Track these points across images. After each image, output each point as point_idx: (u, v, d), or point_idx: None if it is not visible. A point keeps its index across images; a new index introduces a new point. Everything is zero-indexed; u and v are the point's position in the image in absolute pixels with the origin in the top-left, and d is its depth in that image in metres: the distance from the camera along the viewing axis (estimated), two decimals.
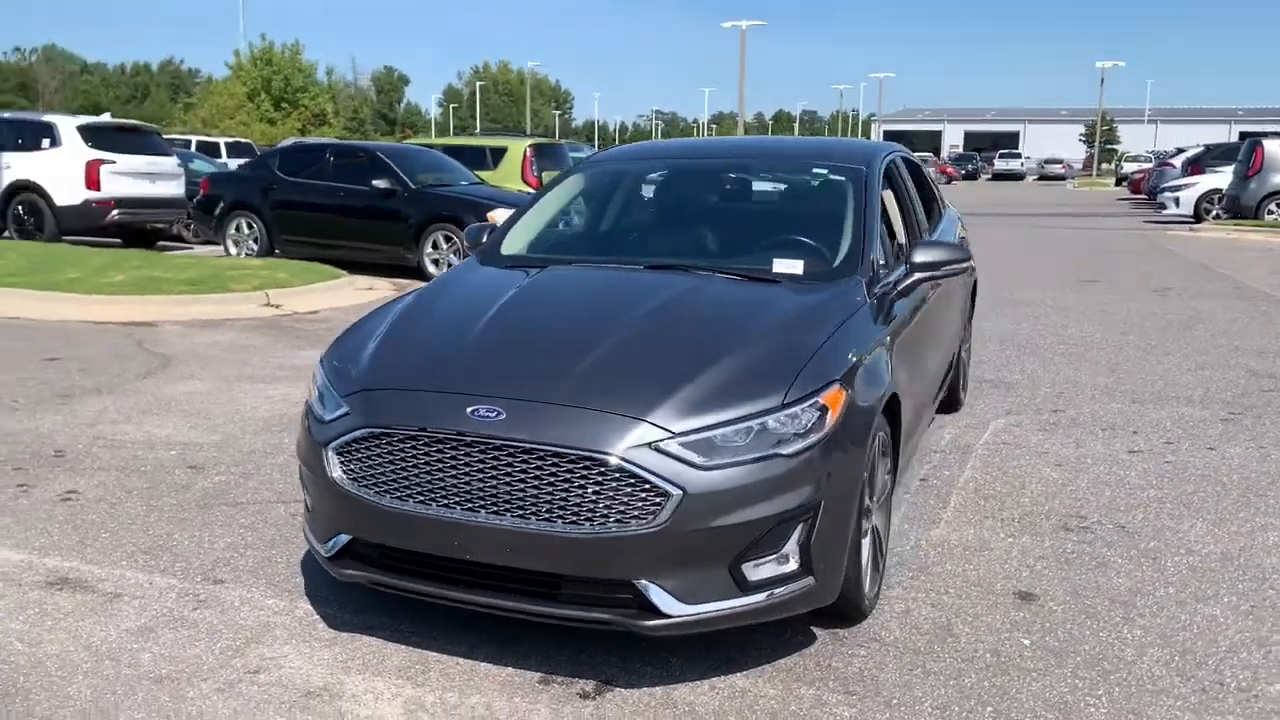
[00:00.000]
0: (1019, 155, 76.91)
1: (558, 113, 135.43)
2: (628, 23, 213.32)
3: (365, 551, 3.22)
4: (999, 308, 10.42)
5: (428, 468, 3.04)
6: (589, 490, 2.89)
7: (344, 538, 3.23)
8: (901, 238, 4.84)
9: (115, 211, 13.93)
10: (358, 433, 3.15)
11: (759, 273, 3.90)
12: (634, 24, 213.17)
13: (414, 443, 3.06)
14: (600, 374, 3.14)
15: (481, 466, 2.98)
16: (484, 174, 14.59)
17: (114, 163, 13.89)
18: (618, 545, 2.88)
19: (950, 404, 6.06)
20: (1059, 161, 72.57)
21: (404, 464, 3.07)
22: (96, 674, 3.10)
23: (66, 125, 14.06)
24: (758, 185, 4.89)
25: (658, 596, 2.91)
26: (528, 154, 14.85)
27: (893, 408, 3.65)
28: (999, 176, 69.47)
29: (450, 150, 15.05)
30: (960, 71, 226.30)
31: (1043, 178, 69.30)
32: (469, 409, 3.03)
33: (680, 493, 2.85)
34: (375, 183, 12.07)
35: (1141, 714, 2.95)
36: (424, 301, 3.89)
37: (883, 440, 3.55)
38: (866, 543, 3.47)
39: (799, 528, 3.02)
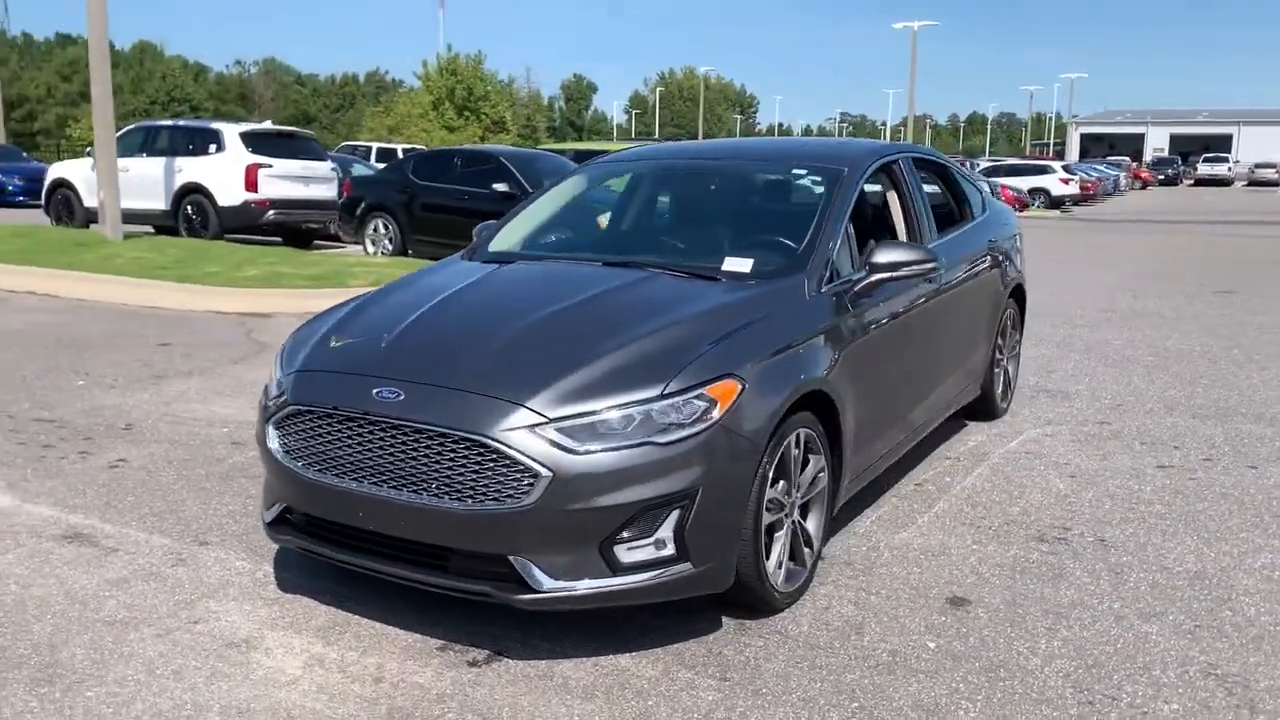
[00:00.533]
0: (1226, 159, 71.96)
1: (740, 117, 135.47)
2: (807, 25, 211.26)
3: (296, 520, 3.52)
4: (1107, 318, 9.99)
5: (340, 444, 3.31)
6: (470, 469, 3.09)
7: (279, 506, 3.54)
8: (903, 236, 4.82)
9: (271, 212, 15.02)
10: (287, 410, 3.45)
11: (705, 270, 4.00)
12: (814, 26, 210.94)
13: (329, 420, 3.34)
14: (498, 361, 3.33)
15: (382, 444, 3.22)
16: None
17: (271, 166, 14.97)
18: (494, 521, 3.06)
19: (986, 412, 5.93)
20: (1272, 166, 67.46)
21: (322, 440, 3.35)
22: (62, 616, 3.50)
23: (231, 132, 15.26)
24: (734, 186, 4.96)
25: (530, 572, 3.08)
26: None
27: (824, 405, 3.68)
28: (1202, 182, 65.28)
29: (581, 155, 15.47)
30: (1169, 73, 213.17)
31: (1252, 183, 64.63)
32: (374, 390, 3.28)
33: (550, 474, 3.01)
34: (495, 186, 12.60)
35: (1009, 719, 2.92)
36: (383, 292, 4.18)
37: (807, 437, 3.60)
38: (781, 536, 3.53)
39: (674, 514, 3.12)
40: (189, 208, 15.29)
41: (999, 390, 6.01)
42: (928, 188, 5.87)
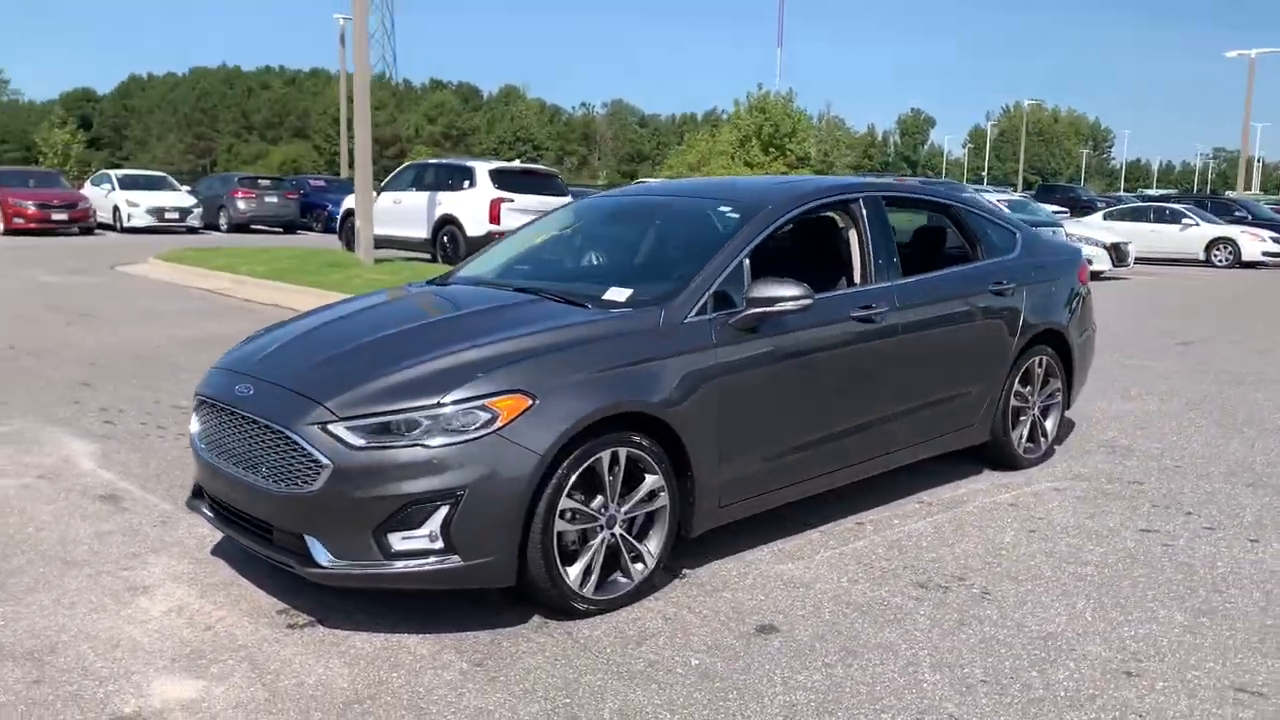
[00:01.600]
0: None
1: (1087, 151, 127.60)
2: (1163, 55, 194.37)
3: (203, 493, 4.23)
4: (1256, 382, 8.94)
5: (219, 430, 3.99)
6: (281, 456, 3.66)
7: (195, 482, 4.28)
8: (857, 276, 4.89)
9: None
10: (195, 399, 4.18)
11: (581, 297, 4.34)
12: (1171, 57, 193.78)
13: (213, 409, 4.03)
14: (327, 366, 3.89)
15: (238, 432, 3.86)
16: None
17: (512, 200, 16.38)
18: (294, 503, 3.61)
19: (1003, 460, 5.74)
20: None
21: (211, 426, 4.05)
22: (36, 552, 4.41)
23: (482, 169, 16.86)
24: (666, 222, 5.21)
25: (315, 549, 3.60)
26: None
27: (662, 428, 3.91)
28: None
29: None
30: None
31: None
32: (236, 386, 3.94)
33: (331, 465, 3.52)
34: None
35: None
36: (328, 306, 4.84)
37: (634, 456, 3.85)
38: (595, 546, 3.80)
39: (441, 510, 3.51)
40: (444, 237, 17.01)
41: (1018, 438, 5.77)
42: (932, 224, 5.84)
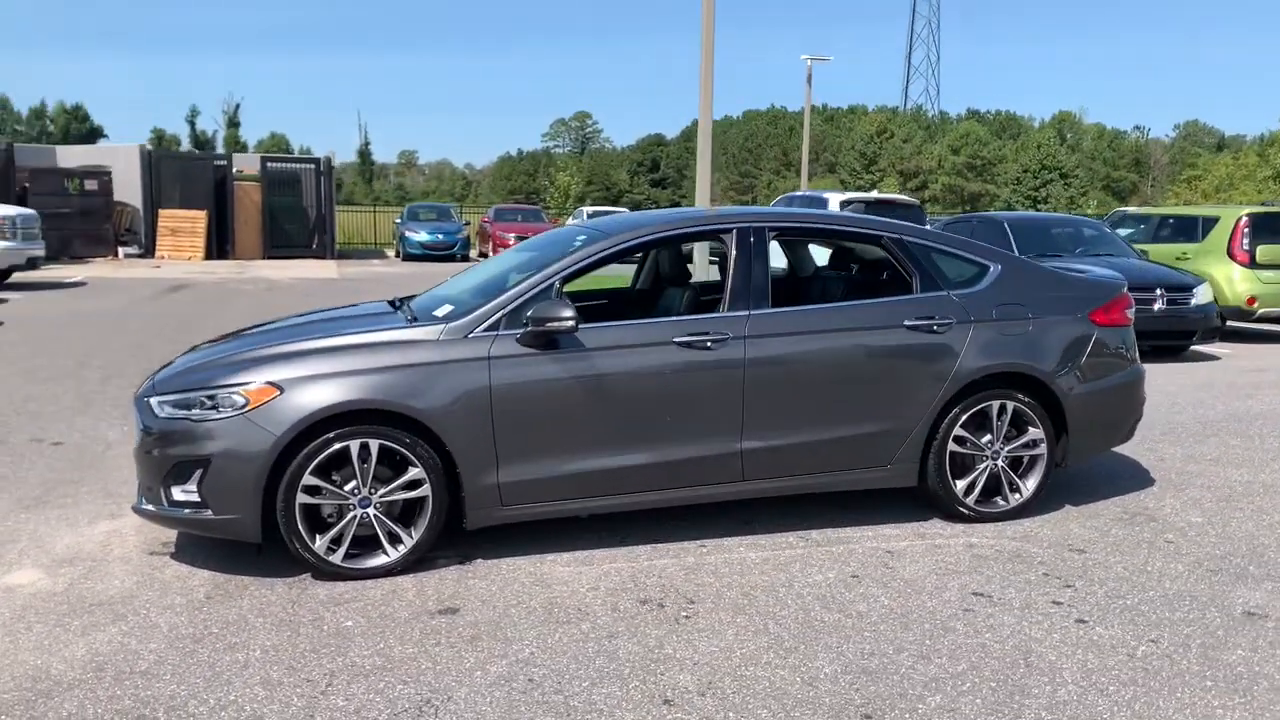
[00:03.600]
0: None
1: None
2: None
3: None
4: None
5: None
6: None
7: None
8: (723, 305, 5.06)
9: None
10: None
11: (422, 312, 5.13)
12: None
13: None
14: (199, 355, 5.01)
15: None
16: (1189, 247, 13.39)
17: None
18: (135, 457, 4.81)
19: (941, 508, 5.36)
20: None
21: None
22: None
23: (833, 200, 17.12)
24: (548, 247, 5.63)
25: (138, 494, 4.75)
26: (1240, 224, 13.02)
27: (421, 427, 4.55)
28: None
29: (1164, 219, 14.08)
30: None
31: None
32: (155, 373, 5.23)
33: (144, 428, 4.66)
34: None
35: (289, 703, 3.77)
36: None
37: (386, 449, 4.54)
38: (347, 521, 4.55)
39: (198, 471, 4.50)
40: None
41: (965, 488, 5.32)
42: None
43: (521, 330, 4.73)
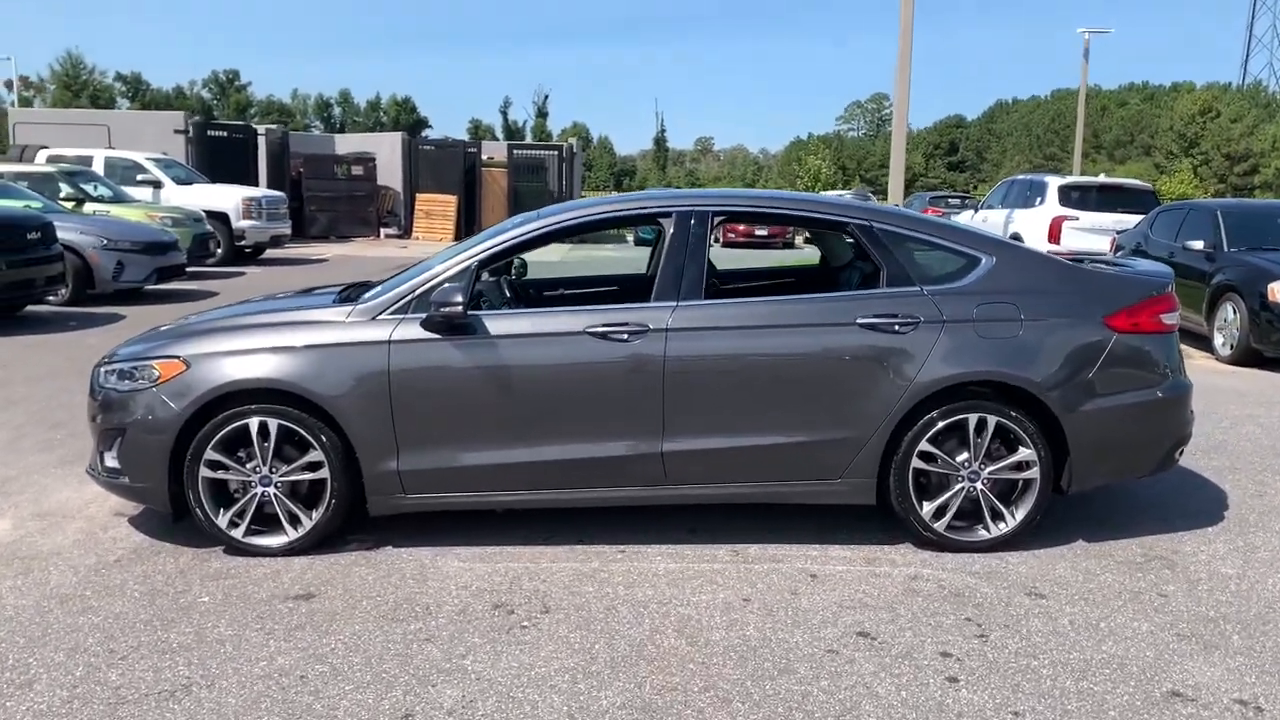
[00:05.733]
0: None
1: None
2: None
3: None
4: None
5: None
6: None
7: None
8: (655, 291, 4.72)
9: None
10: None
11: (361, 292, 5.09)
12: None
13: None
14: (149, 334, 5.23)
15: None
16: None
17: (1077, 219, 14.96)
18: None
19: (909, 528, 4.72)
20: None
21: None
22: None
23: (1053, 184, 15.63)
24: None
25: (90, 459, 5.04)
26: None
27: (321, 411, 4.54)
28: None
29: None
30: None
31: None
32: None
33: (95, 401, 4.90)
34: (1189, 243, 10.96)
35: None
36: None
37: (284, 428, 4.57)
38: (248, 498, 4.63)
39: (117, 440, 4.69)
40: None
41: (933, 511, 4.63)
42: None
43: (426, 316, 4.58)
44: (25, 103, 60.29)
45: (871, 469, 4.66)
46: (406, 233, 28.48)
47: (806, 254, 21.67)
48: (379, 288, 4.91)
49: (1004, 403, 4.62)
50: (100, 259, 12.69)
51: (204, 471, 4.60)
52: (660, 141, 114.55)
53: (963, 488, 4.66)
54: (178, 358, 4.63)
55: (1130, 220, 14.95)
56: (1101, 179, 16.65)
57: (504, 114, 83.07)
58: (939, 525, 4.67)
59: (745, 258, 18.20)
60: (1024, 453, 4.63)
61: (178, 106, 65.12)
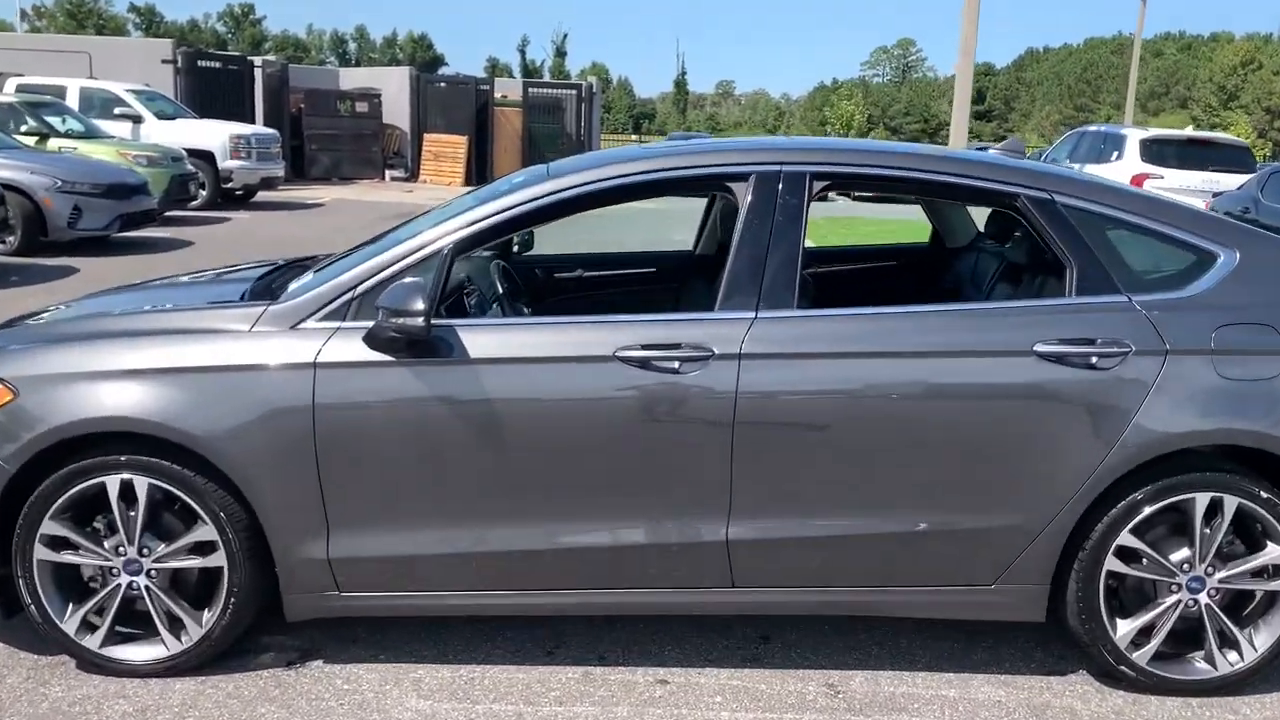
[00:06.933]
0: None
1: None
2: None
3: None
4: None
5: None
6: None
7: None
8: (723, 293, 3.13)
9: None
10: None
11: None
12: None
13: None
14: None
15: None
16: None
17: (1161, 178, 13.24)
18: None
19: (1094, 662, 3.16)
20: None
21: None
22: None
23: (1133, 138, 13.90)
24: None
25: None
26: None
27: (202, 462, 3.00)
28: None
29: None
30: None
31: None
32: None
33: None
34: None
35: None
36: None
37: (156, 491, 3.04)
38: (106, 592, 3.11)
39: None
40: None
41: (1129, 633, 3.07)
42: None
43: (376, 325, 3.00)
44: (36, 32, 58.20)
45: (1044, 572, 3.08)
46: (413, 175, 26.64)
47: (880, 217, 18.40)
48: (306, 279, 3.34)
49: (1249, 477, 3.04)
50: (54, 202, 11.06)
51: (40, 551, 3.06)
52: (681, 84, 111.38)
53: (1178, 600, 3.08)
54: (2, 380, 3.07)
55: (1223, 180, 13.23)
56: (1190, 132, 14.89)
57: (522, 53, 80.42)
58: (1139, 656, 3.10)
59: None
60: (1274, 551, 3.06)
61: (191, 40, 62.72)
